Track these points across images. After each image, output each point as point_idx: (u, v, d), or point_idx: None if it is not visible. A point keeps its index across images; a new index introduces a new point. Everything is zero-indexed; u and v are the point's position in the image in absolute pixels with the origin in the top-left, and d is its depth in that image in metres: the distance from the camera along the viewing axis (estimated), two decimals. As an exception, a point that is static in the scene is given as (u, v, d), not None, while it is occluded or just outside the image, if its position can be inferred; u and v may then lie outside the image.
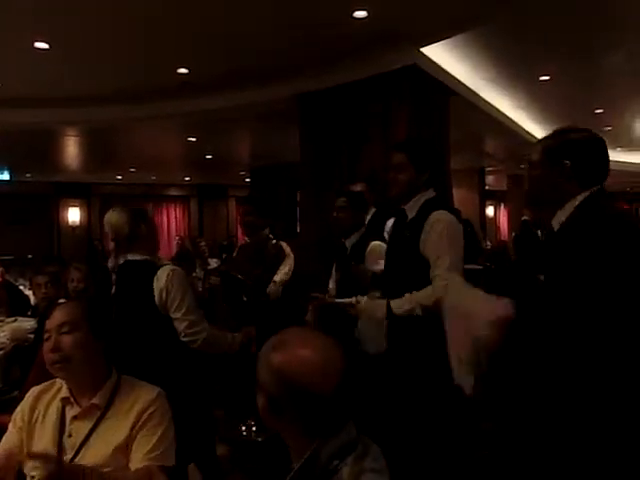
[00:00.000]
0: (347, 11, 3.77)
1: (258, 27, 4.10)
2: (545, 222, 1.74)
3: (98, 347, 1.68)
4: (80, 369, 1.63)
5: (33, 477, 1.44)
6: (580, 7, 4.12)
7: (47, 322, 1.68)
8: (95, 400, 1.63)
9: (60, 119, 6.44)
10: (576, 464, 1.47)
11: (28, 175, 11.69)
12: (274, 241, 3.55)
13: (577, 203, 1.59)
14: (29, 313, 4.01)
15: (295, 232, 9.52)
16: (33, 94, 5.73)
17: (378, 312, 2.25)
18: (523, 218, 11.97)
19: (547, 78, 5.83)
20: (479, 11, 3.96)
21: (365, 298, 2.51)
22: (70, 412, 1.64)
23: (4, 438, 1.66)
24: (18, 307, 4.31)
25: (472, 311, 1.63)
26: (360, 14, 3.80)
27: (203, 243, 4.20)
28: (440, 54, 4.78)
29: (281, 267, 3.46)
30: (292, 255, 3.52)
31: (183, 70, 5.05)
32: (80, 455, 1.56)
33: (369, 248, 2.89)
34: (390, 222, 2.82)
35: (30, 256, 10.65)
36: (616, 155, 11.70)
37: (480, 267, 7.61)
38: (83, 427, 1.61)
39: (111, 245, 2.42)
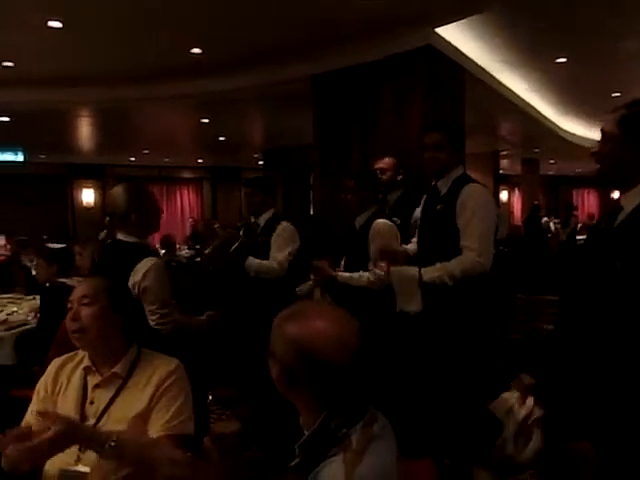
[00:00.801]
0: (362, -10, 3.74)
1: (272, 7, 4.08)
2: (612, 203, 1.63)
3: (117, 320, 1.73)
4: (98, 340, 1.69)
5: None
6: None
7: (72, 293, 1.75)
8: (116, 369, 1.69)
9: (73, 99, 6.46)
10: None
11: (42, 156, 11.77)
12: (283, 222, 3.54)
13: None
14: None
15: (309, 214, 9.56)
16: (46, 74, 5.75)
17: (411, 275, 2.39)
18: (535, 202, 11.92)
19: (563, 60, 5.74)
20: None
21: (367, 273, 2.64)
22: (92, 380, 1.70)
23: (28, 410, 1.72)
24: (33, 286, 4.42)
25: None
26: (375, -7, 3.77)
27: (217, 225, 4.21)
28: (455, 35, 4.73)
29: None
30: (284, 236, 3.47)
31: (197, 50, 5.05)
32: (102, 422, 1.62)
33: (375, 227, 2.95)
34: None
35: (45, 237, 10.78)
36: (633, 139, 11.53)
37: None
38: (104, 395, 1.66)
39: (106, 219, 2.42)
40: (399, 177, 3.55)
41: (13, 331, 3.45)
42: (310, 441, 1.15)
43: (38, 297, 3.82)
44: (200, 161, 14.18)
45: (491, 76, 6.06)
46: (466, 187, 2.37)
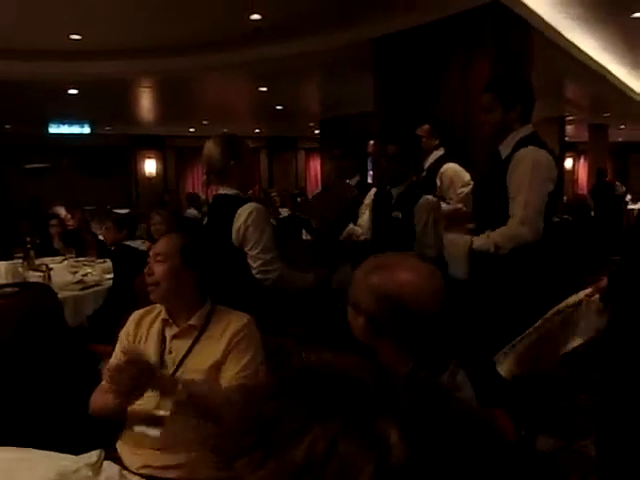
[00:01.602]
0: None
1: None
2: None
3: (190, 277, 1.80)
4: (171, 294, 1.77)
5: None
6: None
7: (151, 249, 1.86)
8: (192, 321, 1.77)
9: (136, 70, 6.62)
10: None
11: (107, 128, 12.17)
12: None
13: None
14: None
15: (366, 184, 9.49)
16: (111, 46, 5.91)
17: (462, 243, 2.34)
18: (599, 167, 11.35)
19: (641, 15, 5.39)
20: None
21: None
22: (170, 332, 1.78)
23: (111, 359, 1.82)
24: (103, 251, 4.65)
25: None
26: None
27: (274, 193, 4.26)
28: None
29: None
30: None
31: (256, 16, 5.04)
32: (180, 370, 1.70)
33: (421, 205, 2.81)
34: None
35: (108, 206, 11.22)
36: None
37: (558, 219, 7.35)
38: (182, 345, 1.74)
39: (203, 178, 2.47)
40: (436, 142, 3.56)
41: (88, 290, 3.65)
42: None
43: (109, 260, 4.04)
44: (257, 131, 14.28)
45: (560, 34, 5.75)
46: (521, 150, 2.22)
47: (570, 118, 11.69)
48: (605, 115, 11.64)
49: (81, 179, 12.88)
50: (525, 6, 4.68)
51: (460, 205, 2.95)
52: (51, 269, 3.78)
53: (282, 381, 0.47)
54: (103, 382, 1.69)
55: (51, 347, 2.42)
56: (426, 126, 3.58)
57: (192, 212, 8.27)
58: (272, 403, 0.44)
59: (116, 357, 1.78)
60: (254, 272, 2.25)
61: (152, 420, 1.65)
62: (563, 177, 12.76)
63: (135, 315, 1.89)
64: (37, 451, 1.57)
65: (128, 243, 3.76)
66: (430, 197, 2.87)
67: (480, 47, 4.20)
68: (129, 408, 1.67)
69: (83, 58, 6.12)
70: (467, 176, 3.52)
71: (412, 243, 2.64)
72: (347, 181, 3.57)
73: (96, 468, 1.56)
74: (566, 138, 12.71)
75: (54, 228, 5.44)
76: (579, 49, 6.46)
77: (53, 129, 11.56)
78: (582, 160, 15.89)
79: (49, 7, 4.76)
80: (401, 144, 3.04)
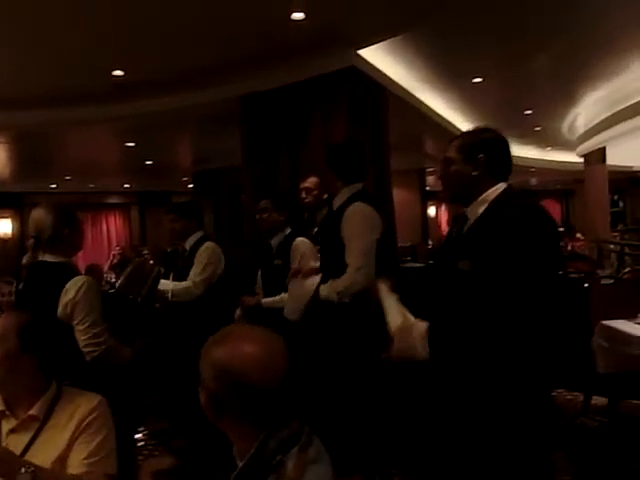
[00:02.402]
0: (285, 13, 3.79)
1: (195, 28, 4.05)
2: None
3: (31, 361, 1.62)
4: (8, 382, 1.59)
5: None
6: (511, 13, 4.31)
7: None
8: (33, 411, 1.58)
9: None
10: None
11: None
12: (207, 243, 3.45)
13: (493, 196, 1.73)
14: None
15: (241, 236, 9.46)
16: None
17: (307, 290, 2.58)
18: (456, 215, 12.34)
19: (480, 80, 6.05)
20: (414, 14, 4.07)
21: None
22: (6, 425, 1.58)
23: None
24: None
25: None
26: (298, 16, 3.83)
27: (146, 252, 4.04)
28: (377, 56, 4.88)
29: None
30: (204, 255, 3.35)
31: (118, 72, 4.92)
32: (18, 469, 1.50)
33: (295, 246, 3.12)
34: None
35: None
36: (545, 154, 12.28)
37: (422, 264, 7.81)
38: (20, 440, 1.55)
39: (30, 241, 2.31)
40: (324, 196, 3.62)
41: None
42: (245, 470, 1.10)
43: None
44: (127, 186, 13.78)
45: (412, 95, 6.28)
46: (350, 206, 2.52)
47: (430, 169, 12.66)
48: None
49: None
50: (379, 71, 5.07)
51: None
52: None
53: None
54: None
55: None
56: (315, 178, 3.64)
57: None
58: None
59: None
60: (82, 344, 2.15)
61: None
62: (427, 223, 13.71)
63: (-34, 408, 1.65)
64: None
65: None
66: (302, 238, 3.15)
67: (337, 107, 4.44)
68: None
69: None
70: None
71: None
72: (181, 244, 3.51)
73: None
74: (427, 188, 13.73)
75: None
76: (431, 109, 7.09)
77: None
78: (443, 208, 17.20)
79: None
80: (272, 198, 3.23)
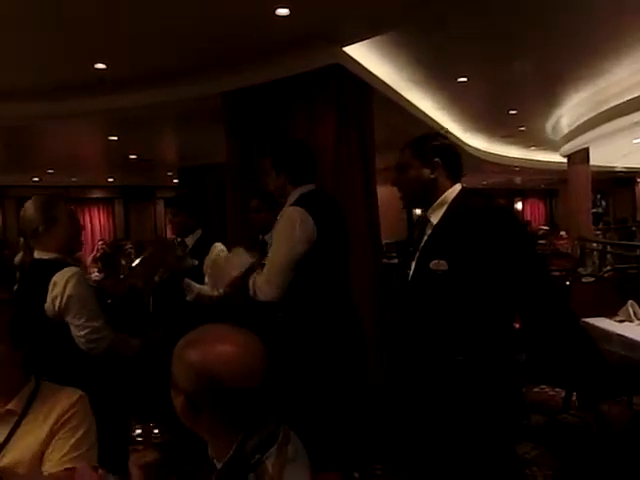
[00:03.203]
0: (269, 8, 3.77)
1: (179, 23, 4.02)
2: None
3: (18, 356, 1.60)
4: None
5: None
6: (495, 13, 4.34)
7: None
8: (10, 406, 1.57)
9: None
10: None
11: None
12: None
13: (452, 196, 1.84)
14: None
15: (226, 233, 9.42)
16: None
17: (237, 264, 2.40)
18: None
19: (465, 80, 6.08)
20: (399, 12, 4.07)
21: None
22: (-18, 420, 1.56)
23: None
24: None
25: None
26: (282, 12, 3.80)
27: (129, 246, 4.03)
28: (363, 54, 4.88)
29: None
30: None
31: (101, 65, 4.86)
32: (-6, 464, 1.49)
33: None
34: None
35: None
36: (530, 154, 12.39)
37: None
38: (-2, 434, 1.53)
39: (20, 240, 2.26)
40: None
41: None
42: (224, 471, 1.10)
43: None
44: (111, 180, 13.64)
45: (398, 94, 6.29)
46: (283, 209, 2.39)
47: (415, 168, 12.68)
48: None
49: None
50: (365, 69, 5.07)
51: None
52: None
53: None
54: None
55: None
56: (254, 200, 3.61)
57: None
58: None
59: None
60: (81, 342, 2.08)
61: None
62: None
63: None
64: None
65: None
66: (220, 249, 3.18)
67: (323, 105, 4.42)
68: None
69: None
70: None
71: None
72: (179, 239, 3.45)
73: None
74: (413, 186, 13.74)
75: None
76: (417, 108, 7.11)
77: None
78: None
79: None
80: (261, 197, 3.25)
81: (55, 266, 2.13)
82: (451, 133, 9.03)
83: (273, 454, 1.09)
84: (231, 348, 1.09)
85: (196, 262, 3.17)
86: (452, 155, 1.88)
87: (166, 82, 5.20)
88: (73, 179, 12.76)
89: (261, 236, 3.35)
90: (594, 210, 13.42)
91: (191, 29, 4.13)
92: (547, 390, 4.36)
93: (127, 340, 2.32)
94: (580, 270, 6.96)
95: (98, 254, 10.29)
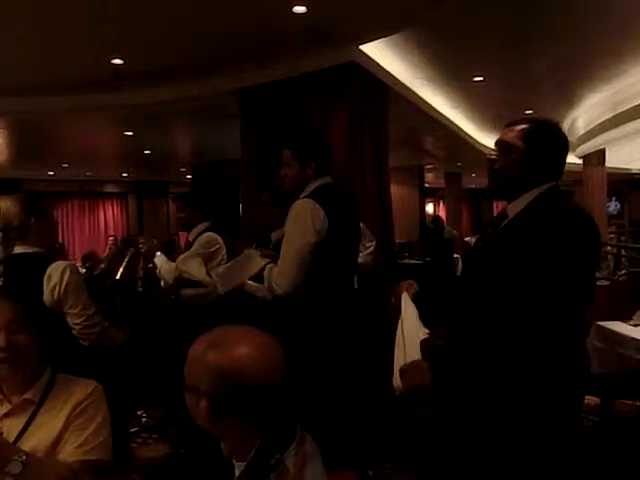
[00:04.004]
0: (287, 6, 3.78)
1: (196, 19, 4.04)
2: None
3: (37, 344, 1.65)
4: (21, 366, 1.60)
5: None
6: (512, 13, 4.30)
7: None
8: (28, 395, 1.59)
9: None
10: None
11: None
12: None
13: (537, 194, 1.59)
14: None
15: (238, 230, 9.47)
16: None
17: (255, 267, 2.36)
18: (436, 215, 12.19)
19: (481, 79, 6.04)
20: (416, 11, 4.06)
21: None
22: (0, 410, 1.59)
23: None
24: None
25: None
26: (299, 9, 3.81)
27: (142, 241, 4.12)
28: (379, 52, 4.86)
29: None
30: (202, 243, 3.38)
31: (118, 61, 4.90)
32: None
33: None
34: None
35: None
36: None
37: (420, 261, 7.82)
38: (15, 424, 1.56)
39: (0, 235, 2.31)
40: None
41: None
42: (247, 471, 1.09)
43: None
44: (125, 175, 13.74)
45: (413, 93, 6.27)
46: (295, 202, 2.34)
47: (429, 166, 12.67)
48: (458, 164, 12.77)
49: None
50: (380, 67, 5.06)
51: None
52: None
53: None
54: None
55: None
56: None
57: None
58: None
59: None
60: (76, 330, 2.16)
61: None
62: (425, 221, 13.73)
63: (-42, 392, 1.66)
64: None
65: None
66: (248, 251, 2.93)
67: (337, 103, 4.43)
68: None
69: None
70: None
71: None
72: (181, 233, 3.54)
73: None
74: (426, 184, 13.73)
75: None
76: (431, 107, 7.08)
77: None
78: (441, 205, 17.23)
79: None
80: (273, 191, 3.19)
81: (38, 259, 2.20)
82: (466, 133, 8.99)
83: (292, 453, 1.09)
84: (252, 349, 1.09)
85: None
86: (560, 151, 1.64)
87: (183, 78, 5.23)
88: (87, 173, 12.87)
89: (268, 233, 3.25)
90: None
91: (208, 26, 4.15)
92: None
93: (112, 330, 2.36)
94: (596, 274, 6.90)
95: (110, 251, 10.35)
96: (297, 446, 1.11)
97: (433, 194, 16.33)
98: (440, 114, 7.53)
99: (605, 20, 4.52)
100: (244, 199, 5.11)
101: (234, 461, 1.15)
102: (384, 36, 4.48)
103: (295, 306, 2.29)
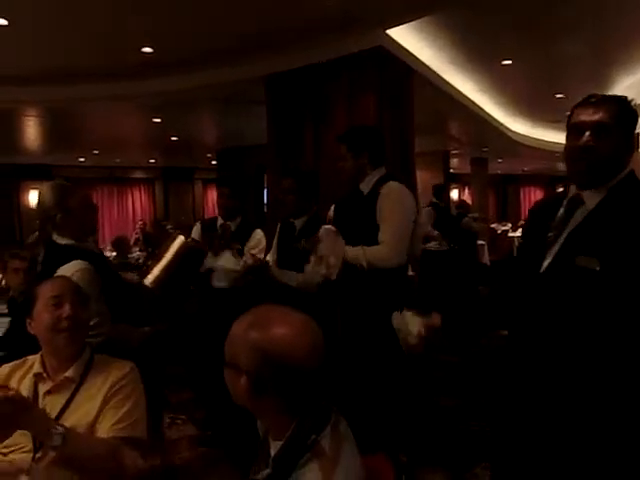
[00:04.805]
0: (314, -8, 3.78)
1: (224, 6, 4.06)
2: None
3: (88, 319, 1.80)
4: (76, 337, 1.70)
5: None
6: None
7: (55, 289, 1.72)
8: (69, 374, 1.66)
9: (20, 98, 6.24)
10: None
11: (-15, 157, 11.32)
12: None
13: (616, 181, 1.46)
14: None
15: (263, 215, 9.53)
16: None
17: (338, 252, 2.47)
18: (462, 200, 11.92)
19: (509, 62, 5.94)
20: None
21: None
22: (43, 387, 1.66)
23: None
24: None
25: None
26: (327, -5, 3.81)
27: (170, 226, 4.13)
28: (405, 37, 4.82)
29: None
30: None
31: (147, 49, 4.96)
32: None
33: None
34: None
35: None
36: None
37: (446, 248, 7.75)
38: (57, 401, 1.63)
39: (36, 222, 2.29)
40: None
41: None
42: (284, 451, 1.12)
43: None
44: (152, 161, 13.93)
45: (440, 77, 6.20)
46: (385, 185, 2.52)
47: (454, 152, 12.50)
48: (484, 150, 12.58)
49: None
50: (406, 51, 5.02)
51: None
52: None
53: None
54: None
55: None
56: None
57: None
58: None
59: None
60: None
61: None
62: (450, 207, 13.60)
63: (3, 369, 1.74)
64: None
65: None
66: (328, 226, 2.84)
67: (364, 88, 4.42)
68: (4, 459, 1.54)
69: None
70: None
71: None
72: (228, 223, 3.46)
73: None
74: (451, 170, 13.56)
75: None
76: (458, 91, 6.99)
77: None
78: (467, 191, 17.01)
79: None
80: (295, 178, 3.13)
81: (70, 252, 2.14)
82: (493, 118, 8.86)
83: (328, 435, 1.11)
84: (293, 329, 1.12)
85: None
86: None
87: (210, 65, 5.28)
88: (117, 160, 13.08)
89: (292, 219, 3.11)
90: None
91: (236, 12, 4.17)
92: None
93: (132, 331, 2.33)
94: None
95: (137, 236, 10.52)
96: (332, 428, 1.13)
97: (459, 179, 16.12)
98: (467, 98, 7.42)
99: None
100: (270, 185, 5.14)
101: (270, 440, 1.18)
102: (411, 20, 4.44)
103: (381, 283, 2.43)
